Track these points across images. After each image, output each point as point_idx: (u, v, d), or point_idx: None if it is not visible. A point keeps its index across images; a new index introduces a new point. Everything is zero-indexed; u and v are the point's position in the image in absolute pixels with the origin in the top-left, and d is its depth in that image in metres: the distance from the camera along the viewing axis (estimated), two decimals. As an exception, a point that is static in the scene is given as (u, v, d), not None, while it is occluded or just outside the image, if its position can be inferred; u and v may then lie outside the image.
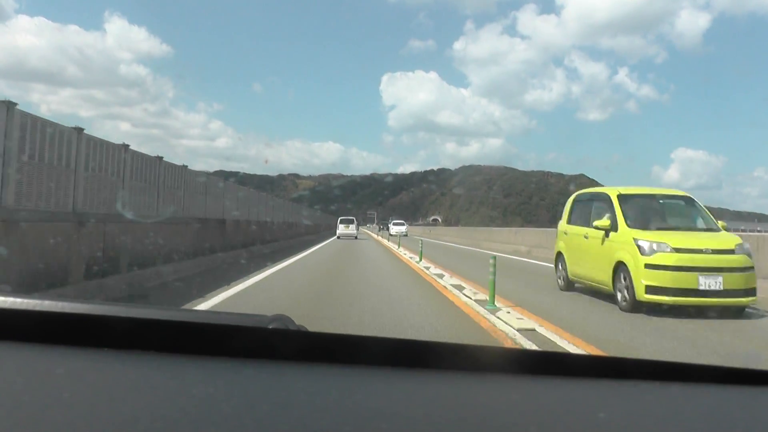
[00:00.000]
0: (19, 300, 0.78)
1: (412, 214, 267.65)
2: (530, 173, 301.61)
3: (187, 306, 6.04)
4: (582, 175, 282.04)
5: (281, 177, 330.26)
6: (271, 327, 0.80)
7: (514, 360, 0.82)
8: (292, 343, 0.77)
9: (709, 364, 0.82)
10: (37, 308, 0.77)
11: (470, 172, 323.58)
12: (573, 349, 4.26)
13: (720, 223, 6.76)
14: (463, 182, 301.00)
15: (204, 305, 6.22)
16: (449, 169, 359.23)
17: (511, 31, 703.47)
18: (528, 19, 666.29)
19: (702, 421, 0.66)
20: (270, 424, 0.56)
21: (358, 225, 37.88)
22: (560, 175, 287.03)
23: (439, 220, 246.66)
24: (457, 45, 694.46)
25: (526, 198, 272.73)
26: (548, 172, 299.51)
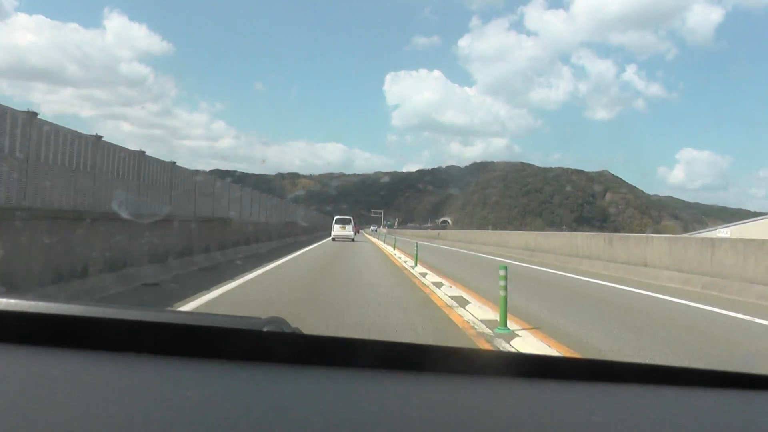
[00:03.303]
0: (13, 301, 0.83)
1: (419, 215, 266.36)
2: (548, 170, 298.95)
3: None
4: (606, 171, 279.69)
5: (280, 176, 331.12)
6: (266, 330, 0.85)
7: (508, 363, 0.87)
8: (288, 345, 0.82)
9: (703, 369, 0.87)
10: (32, 310, 0.82)
11: (482, 169, 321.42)
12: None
13: None
14: (475, 180, 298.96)
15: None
16: (458, 167, 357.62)
17: (518, 27, 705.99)
18: (536, 14, 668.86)
19: (696, 425, 0.70)
20: (265, 426, 0.60)
21: (358, 226, 37.28)
22: (581, 172, 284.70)
23: (449, 221, 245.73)
24: (463, 42, 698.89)
25: (547, 197, 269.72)
26: (569, 168, 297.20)
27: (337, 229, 32.25)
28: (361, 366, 0.78)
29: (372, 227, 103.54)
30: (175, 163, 12.48)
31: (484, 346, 5.11)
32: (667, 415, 0.72)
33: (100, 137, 8.59)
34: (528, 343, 5.23)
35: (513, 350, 5.18)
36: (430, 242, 38.83)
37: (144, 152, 10.55)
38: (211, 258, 13.16)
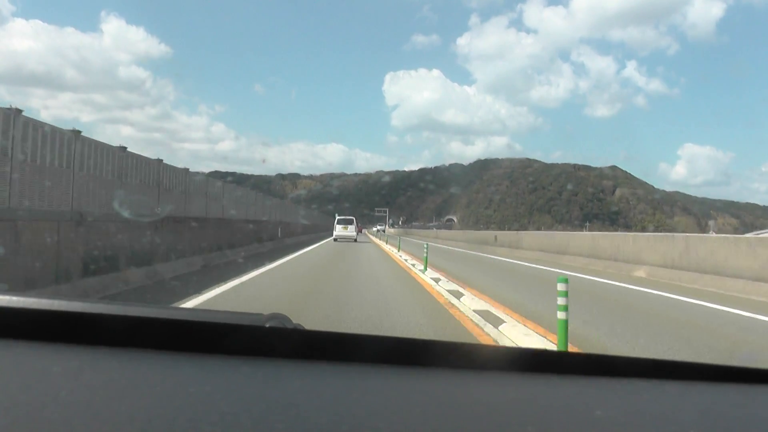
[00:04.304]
0: (15, 298, 0.86)
1: (423, 214, 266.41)
2: (554, 166, 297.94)
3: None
4: (615, 167, 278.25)
5: (280, 176, 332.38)
6: (268, 325, 0.87)
7: (510, 358, 0.88)
8: (289, 341, 0.84)
9: (704, 363, 0.88)
10: (34, 306, 0.84)
11: (486, 166, 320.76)
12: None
13: None
14: (479, 178, 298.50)
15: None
16: (461, 164, 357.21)
17: (518, 24, 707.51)
18: (535, 11, 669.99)
19: (697, 419, 0.72)
20: (267, 422, 0.61)
21: (361, 226, 37.33)
22: (589, 168, 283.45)
23: (455, 220, 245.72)
24: (462, 40, 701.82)
25: (555, 193, 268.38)
26: (576, 164, 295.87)
27: (339, 230, 32.51)
28: (362, 361, 0.79)
29: (376, 227, 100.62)
30: (161, 160, 12.20)
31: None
32: (668, 410, 0.73)
33: (79, 132, 8.12)
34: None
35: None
36: (492, 254, 21.25)
37: (125, 147, 10.13)
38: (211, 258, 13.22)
